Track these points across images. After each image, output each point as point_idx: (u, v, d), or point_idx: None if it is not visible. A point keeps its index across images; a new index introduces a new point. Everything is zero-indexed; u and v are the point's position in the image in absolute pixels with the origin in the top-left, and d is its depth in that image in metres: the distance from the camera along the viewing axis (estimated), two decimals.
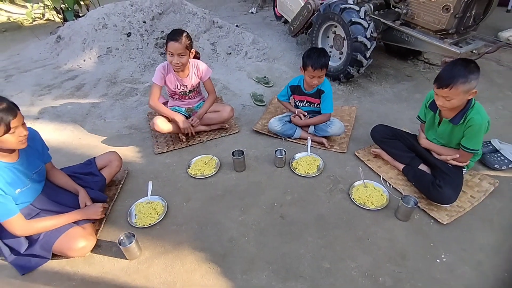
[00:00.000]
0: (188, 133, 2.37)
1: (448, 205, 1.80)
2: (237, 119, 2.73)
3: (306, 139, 2.35)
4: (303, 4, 3.49)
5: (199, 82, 2.47)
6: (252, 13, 5.42)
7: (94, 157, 1.98)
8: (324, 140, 2.35)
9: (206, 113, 2.45)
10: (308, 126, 2.41)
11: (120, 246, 1.56)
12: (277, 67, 3.62)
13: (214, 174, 2.16)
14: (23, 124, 1.45)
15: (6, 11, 6.21)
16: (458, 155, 1.82)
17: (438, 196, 1.77)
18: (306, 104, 2.41)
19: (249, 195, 2.00)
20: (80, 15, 4.71)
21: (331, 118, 2.35)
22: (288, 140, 2.45)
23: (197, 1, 5.62)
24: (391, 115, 2.75)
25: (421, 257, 1.59)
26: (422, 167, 2.00)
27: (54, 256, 1.61)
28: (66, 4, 4.44)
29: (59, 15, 4.84)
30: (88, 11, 4.37)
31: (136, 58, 3.79)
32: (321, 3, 3.22)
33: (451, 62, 1.57)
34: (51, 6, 4.83)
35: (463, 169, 1.91)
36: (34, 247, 1.58)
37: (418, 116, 2.05)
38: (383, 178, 2.04)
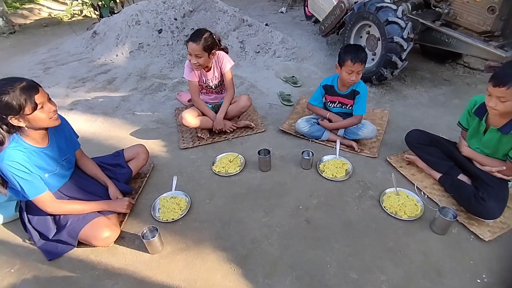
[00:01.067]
0: (214, 130, 2.37)
1: (491, 221, 1.65)
2: (264, 118, 2.68)
3: (335, 142, 2.26)
4: (335, 3, 3.39)
5: (221, 75, 2.43)
6: (282, 12, 5.36)
7: (123, 149, 2.01)
8: (354, 144, 2.25)
9: (227, 111, 2.41)
10: (338, 129, 2.31)
11: (143, 240, 1.56)
12: (306, 67, 3.54)
13: (239, 172, 2.12)
14: (50, 99, 1.45)
15: (47, 7, 6.55)
16: (504, 167, 1.67)
17: (480, 210, 1.63)
18: (338, 106, 2.32)
19: (274, 196, 1.94)
20: (116, 12, 4.87)
21: (362, 121, 2.25)
22: (316, 142, 2.37)
23: (228, 0, 5.64)
24: (426, 120, 2.59)
25: (459, 275, 1.46)
26: (462, 177, 1.86)
27: (80, 244, 1.63)
28: (102, 1, 4.59)
29: (96, 12, 5.02)
30: (123, 8, 4.50)
31: (166, 54, 3.85)
32: (355, 2, 3.11)
33: (510, 61, 1.43)
34: (89, 3, 5.02)
35: (509, 182, 1.75)
36: (61, 233, 1.61)
37: (459, 122, 1.91)
38: (417, 187, 1.92)
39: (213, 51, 2.21)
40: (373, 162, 2.17)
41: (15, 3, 6.40)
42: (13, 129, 1.42)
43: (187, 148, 2.37)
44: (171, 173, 2.13)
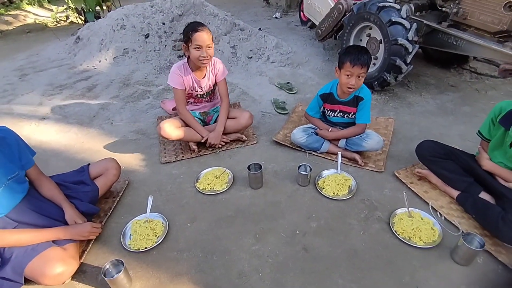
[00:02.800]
0: (205, 143, 2.13)
1: None
2: (255, 128, 2.42)
3: (335, 154, 2.00)
4: (333, 5, 3.18)
5: (215, 83, 2.20)
6: (276, 18, 5.18)
7: (89, 164, 1.72)
8: (357, 156, 1.99)
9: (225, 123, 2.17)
10: (338, 139, 2.06)
11: (105, 278, 1.27)
12: (302, 72, 3.31)
13: (226, 190, 1.85)
14: None
15: (33, 14, 6.32)
16: None
17: (511, 235, 1.37)
18: (339, 115, 2.06)
19: (266, 219, 1.66)
20: (102, 17, 4.64)
21: (366, 131, 2.00)
22: (314, 154, 2.11)
23: (221, 6, 5.44)
24: (436, 129, 2.35)
25: None
26: (484, 195, 1.60)
27: (28, 281, 1.33)
28: (87, 5, 4.36)
29: (81, 17, 4.79)
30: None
31: (153, 60, 3.60)
32: (354, 3, 2.90)
33: None
34: (74, 8, 4.79)
35: None
36: (5, 269, 1.31)
37: (479, 132, 1.66)
38: (432, 207, 1.66)
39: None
40: (379, 178, 1.91)
41: (0, 10, 6.17)
42: None
43: (168, 162, 2.10)
44: (148, 191, 1.85)
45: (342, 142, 2.05)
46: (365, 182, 1.87)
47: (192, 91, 2.16)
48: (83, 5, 4.48)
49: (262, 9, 5.87)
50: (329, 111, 2.10)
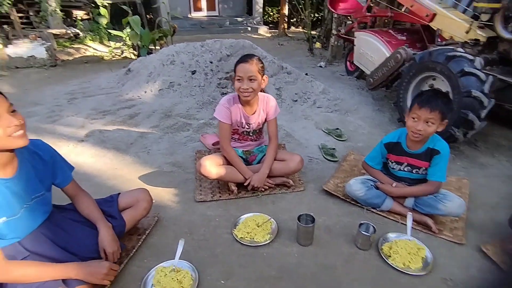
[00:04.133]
0: (247, 185, 1.89)
1: None
2: (302, 174, 2.16)
3: (399, 214, 1.67)
4: (389, 55, 3.05)
5: (265, 121, 2.03)
6: (320, 66, 5.18)
7: (119, 193, 1.53)
8: (429, 220, 1.64)
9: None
10: (405, 197, 1.73)
11: None
12: (351, 120, 3.09)
13: (269, 242, 1.55)
14: (13, 111, 1.07)
15: (93, 48, 6.88)
16: None
17: None
18: (405, 168, 1.76)
19: (318, 286, 1.32)
20: (154, 53, 4.88)
21: (441, 191, 1.67)
22: (373, 211, 1.78)
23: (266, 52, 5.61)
24: None
25: None
26: None
27: None
28: (142, 42, 4.61)
29: (134, 52, 5.07)
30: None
31: (196, 95, 3.59)
32: (414, 53, 2.74)
33: None
34: (130, 44, 5.10)
35: None
36: None
37: None
38: None
39: (264, 76, 1.84)
40: (460, 251, 1.52)
41: (66, 43, 6.80)
42: None
43: (204, 201, 1.86)
44: (178, 232, 1.61)
45: (409, 201, 1.72)
46: (443, 255, 1.49)
47: (239, 127, 1.99)
48: (139, 42, 4.75)
49: (306, 58, 5.96)
50: (393, 163, 1.80)
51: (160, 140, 2.62)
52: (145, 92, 3.70)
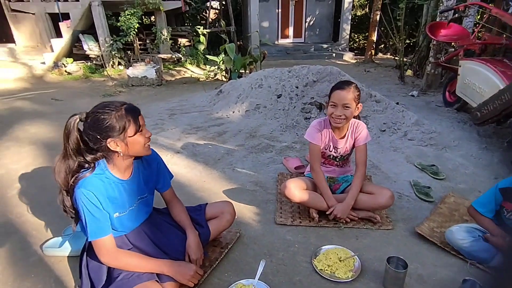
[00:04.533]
0: (329, 213, 1.83)
1: None
2: (390, 211, 1.99)
3: None
4: (503, 86, 2.66)
5: (353, 148, 1.96)
6: (412, 96, 4.80)
7: (206, 203, 1.65)
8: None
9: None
10: None
11: None
12: (450, 157, 2.75)
13: (351, 280, 1.45)
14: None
15: (191, 71, 7.79)
16: None
17: None
18: None
19: None
20: (244, 77, 5.26)
21: None
22: (479, 267, 1.51)
23: (353, 79, 5.50)
24: None
25: None
26: None
27: None
28: (234, 66, 5.02)
29: (226, 75, 5.54)
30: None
31: (280, 118, 3.69)
32: None
33: None
34: (223, 68, 5.62)
35: None
36: None
37: None
38: None
39: (359, 104, 1.82)
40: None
41: (170, 65, 7.87)
42: (105, 155, 1.26)
43: (284, 224, 1.86)
44: (258, 252, 1.63)
45: None
46: None
47: (326, 150, 1.98)
48: (231, 66, 5.19)
49: (395, 86, 5.61)
50: (510, 213, 1.52)
51: (245, 159, 2.75)
52: (233, 112, 3.98)
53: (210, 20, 9.38)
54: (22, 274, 1.51)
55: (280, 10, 10.61)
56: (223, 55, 5.70)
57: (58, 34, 7.34)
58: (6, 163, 2.73)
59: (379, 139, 3.14)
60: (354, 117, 1.91)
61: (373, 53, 9.08)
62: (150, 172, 1.45)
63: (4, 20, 7.78)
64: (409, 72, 6.41)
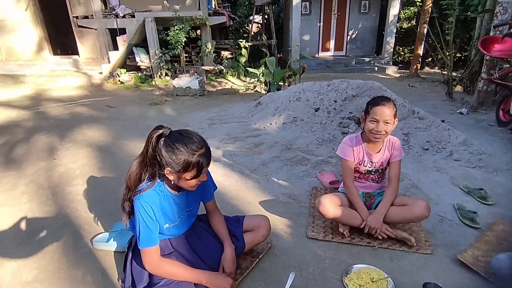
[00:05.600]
0: (362, 227, 1.81)
1: None
2: (430, 234, 1.90)
3: None
4: None
5: (388, 162, 1.94)
6: (461, 113, 4.51)
7: (244, 216, 1.71)
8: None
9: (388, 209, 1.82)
10: None
11: None
12: (501, 181, 2.54)
13: None
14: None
15: (232, 82, 8.06)
16: None
17: None
18: None
19: None
20: (282, 89, 5.34)
21: None
22: None
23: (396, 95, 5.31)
24: None
25: None
26: None
27: None
28: (274, 79, 5.13)
29: (265, 88, 5.67)
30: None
31: (317, 131, 3.69)
32: None
33: None
34: (262, 81, 5.75)
35: None
36: None
37: None
38: None
39: (396, 119, 1.82)
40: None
41: (212, 77, 8.23)
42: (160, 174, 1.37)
43: (315, 239, 1.86)
44: (288, 264, 1.65)
45: None
46: None
47: (361, 164, 1.96)
48: (271, 78, 5.31)
49: (442, 102, 5.32)
50: None
51: (280, 171, 2.79)
52: (270, 124, 4.05)
53: (252, 33, 9.67)
54: (74, 264, 1.69)
55: (321, 23, 10.63)
56: (263, 68, 5.85)
57: (115, 47, 8.07)
58: (65, 162, 3.06)
59: (421, 157, 3.01)
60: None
61: (418, 67, 8.69)
62: (198, 186, 1.55)
63: (71, 35, 8.75)
64: (458, 88, 6.03)
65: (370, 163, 1.94)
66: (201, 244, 1.53)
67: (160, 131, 1.27)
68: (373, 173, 1.97)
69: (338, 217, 1.81)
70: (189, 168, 1.25)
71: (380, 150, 1.92)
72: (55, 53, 9.08)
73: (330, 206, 1.79)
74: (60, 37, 9.21)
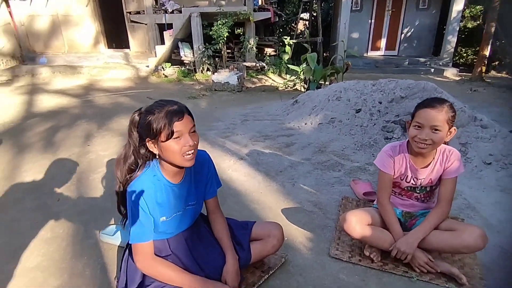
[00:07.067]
0: (393, 254, 1.49)
1: None
2: (486, 270, 1.52)
3: None
4: None
5: (440, 179, 1.57)
6: None
7: (254, 222, 1.50)
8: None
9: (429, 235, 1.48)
10: None
11: None
12: None
13: None
14: (193, 132, 1.18)
15: (272, 79, 7.87)
16: None
17: None
18: None
19: None
20: (322, 88, 5.02)
21: None
22: None
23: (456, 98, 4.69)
24: None
25: None
26: None
27: None
28: (314, 77, 4.82)
29: (305, 86, 5.37)
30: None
31: (356, 135, 3.34)
32: None
33: None
34: (302, 78, 5.46)
35: None
36: None
37: None
38: None
39: (453, 128, 1.45)
40: None
41: (253, 73, 8.11)
42: (150, 155, 1.24)
43: (339, 259, 1.59)
44: (303, 286, 1.43)
45: None
46: None
47: (402, 180, 1.62)
48: (311, 76, 5.00)
49: (510, 110, 4.57)
50: None
51: (308, 175, 2.53)
52: (305, 123, 3.78)
53: (299, 31, 9.36)
54: (78, 254, 1.63)
55: (373, 20, 9.93)
56: (304, 65, 5.56)
57: (162, 42, 8.33)
58: (97, 149, 3.12)
59: (481, 173, 2.53)
60: (444, 143, 1.53)
61: (483, 70, 7.68)
62: (201, 177, 1.39)
63: (125, 30, 9.24)
64: None
65: (415, 179, 1.59)
66: (203, 249, 1.36)
67: (137, 112, 1.22)
68: (418, 191, 1.62)
69: (366, 238, 1.51)
70: (159, 125, 1.11)
71: (429, 164, 1.55)
72: (109, 46, 9.66)
73: (357, 224, 1.50)
74: (115, 31, 9.79)
